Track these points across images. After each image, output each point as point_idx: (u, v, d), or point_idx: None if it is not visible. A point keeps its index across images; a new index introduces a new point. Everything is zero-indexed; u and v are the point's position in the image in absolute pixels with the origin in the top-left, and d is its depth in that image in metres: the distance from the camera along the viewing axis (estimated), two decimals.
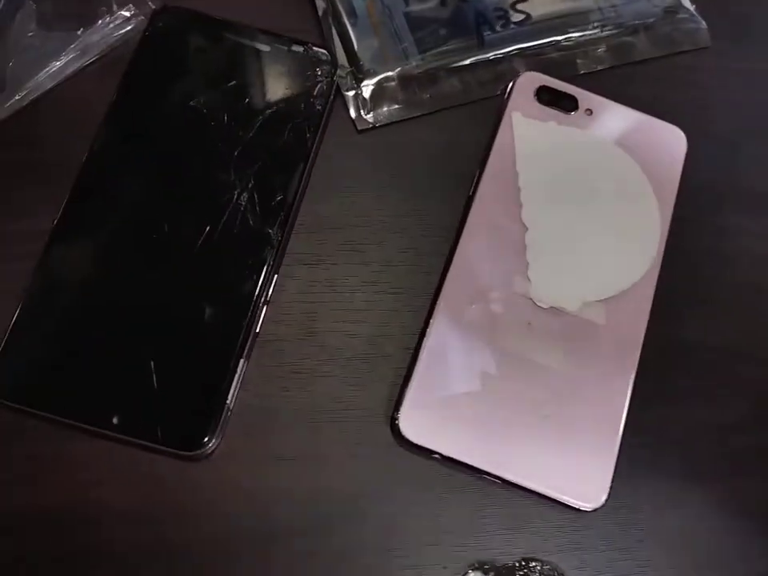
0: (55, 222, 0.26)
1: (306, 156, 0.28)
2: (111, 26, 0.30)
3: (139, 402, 0.24)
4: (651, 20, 0.32)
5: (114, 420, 0.24)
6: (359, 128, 0.30)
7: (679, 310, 0.28)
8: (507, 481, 0.25)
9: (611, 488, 0.25)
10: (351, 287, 0.28)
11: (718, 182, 0.31)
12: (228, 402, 0.25)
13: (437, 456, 0.25)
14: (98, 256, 0.26)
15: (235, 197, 0.27)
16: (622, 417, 0.26)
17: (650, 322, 0.27)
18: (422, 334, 0.26)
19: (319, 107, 0.29)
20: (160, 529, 0.24)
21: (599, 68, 0.32)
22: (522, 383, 0.26)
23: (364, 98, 0.30)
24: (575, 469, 0.25)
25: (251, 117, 0.28)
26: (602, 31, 0.32)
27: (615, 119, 0.30)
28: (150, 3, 0.30)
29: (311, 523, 0.25)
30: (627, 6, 0.32)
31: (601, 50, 0.32)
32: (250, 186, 0.27)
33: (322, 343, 0.27)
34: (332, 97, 0.29)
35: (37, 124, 0.29)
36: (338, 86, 0.30)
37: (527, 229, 0.28)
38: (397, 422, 0.25)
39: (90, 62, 0.30)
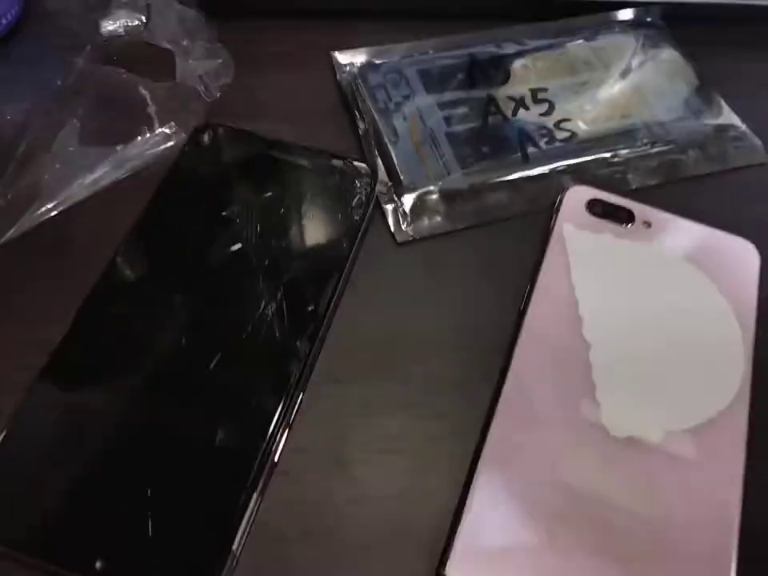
0: (65, 334, 0.24)
1: (341, 267, 0.26)
2: (151, 142, 0.30)
3: (128, 546, 0.20)
4: (701, 137, 0.31)
5: (98, 566, 0.20)
6: (399, 240, 0.28)
7: None
8: None
9: None
10: (387, 412, 0.24)
11: None
12: (234, 548, 0.20)
13: None
14: (105, 374, 0.23)
15: (262, 307, 0.24)
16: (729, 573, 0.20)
17: (746, 458, 0.22)
18: (471, 470, 0.22)
19: (357, 218, 0.27)
20: None
21: (652, 183, 0.30)
22: (598, 535, 0.21)
23: (404, 211, 0.28)
24: None
25: (285, 227, 0.27)
26: (651, 148, 0.31)
27: (677, 232, 0.27)
28: (191, 121, 0.30)
29: None
30: (675, 124, 0.31)
31: (652, 165, 0.30)
32: (278, 296, 0.25)
33: (352, 476, 0.23)
34: (371, 209, 0.28)
35: (66, 233, 0.28)
36: (378, 201, 0.29)
37: (590, 346, 0.24)
38: None
39: (126, 177, 0.29)
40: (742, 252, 0.27)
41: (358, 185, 0.28)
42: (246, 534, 0.21)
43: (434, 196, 0.29)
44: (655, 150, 0.31)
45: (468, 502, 0.21)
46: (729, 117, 0.32)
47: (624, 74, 0.33)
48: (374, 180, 0.28)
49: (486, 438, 0.22)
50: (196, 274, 0.25)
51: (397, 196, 0.29)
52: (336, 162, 0.28)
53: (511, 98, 0.32)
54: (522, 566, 0.20)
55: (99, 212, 0.28)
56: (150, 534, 0.20)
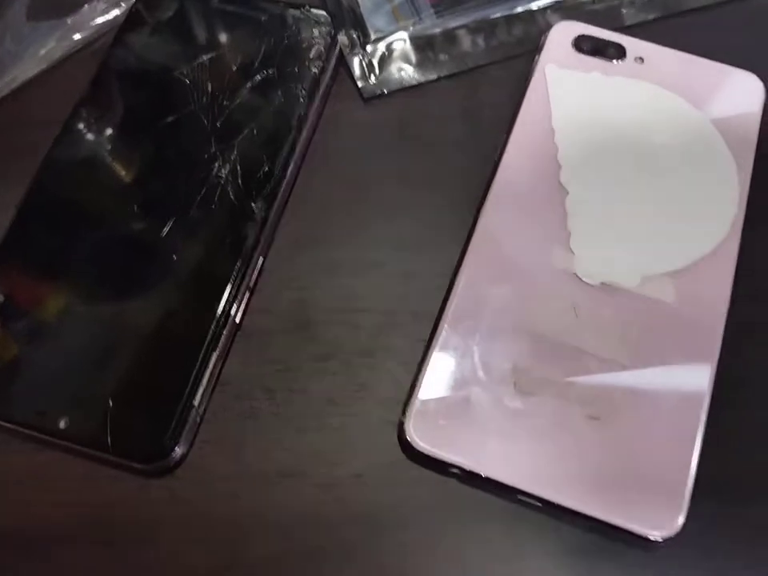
0: (18, 206, 0.23)
1: (299, 125, 0.24)
2: (99, 9, 0.29)
3: (90, 404, 0.20)
4: None
5: (61, 424, 0.20)
6: (365, 95, 0.26)
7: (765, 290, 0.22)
8: (550, 503, 0.19)
9: (688, 511, 0.18)
10: (353, 270, 0.23)
11: None
12: (196, 403, 0.20)
13: (456, 471, 0.19)
14: (63, 238, 0.23)
15: (215, 170, 0.23)
16: (699, 420, 0.19)
17: (730, 304, 0.21)
18: (437, 322, 0.21)
19: (315, 71, 0.25)
20: (114, 552, 0.20)
21: (650, 17, 0.27)
22: (565, 380, 0.20)
23: (371, 63, 0.26)
24: (639, 487, 0.19)
25: (237, 85, 0.25)
26: None
27: (673, 66, 0.25)
28: None
29: (295, 558, 0.19)
30: None
31: None
32: (232, 157, 0.23)
33: (314, 336, 0.22)
34: (333, 61, 0.26)
35: (22, 108, 0.27)
36: (342, 55, 0.26)
37: (567, 192, 0.22)
38: (405, 427, 0.20)
39: (79, 48, 0.28)
40: (745, 85, 0.24)
41: (317, 34, 0.26)
42: (209, 392, 0.21)
43: (405, 44, 0.26)
44: None
45: (429, 354, 0.20)
46: None
47: None
48: (335, 29, 0.26)
49: (452, 292, 0.21)
50: (147, 140, 0.24)
51: (362, 46, 0.26)
52: (291, 12, 0.26)
53: None
54: (489, 417, 0.19)
55: (52, 86, 0.27)
56: (113, 394, 0.20)
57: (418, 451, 0.19)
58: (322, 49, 0.25)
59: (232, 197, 0.23)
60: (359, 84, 0.26)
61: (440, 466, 0.19)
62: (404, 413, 0.20)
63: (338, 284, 0.23)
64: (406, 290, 0.23)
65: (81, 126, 0.25)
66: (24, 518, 0.20)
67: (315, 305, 0.23)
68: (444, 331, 0.21)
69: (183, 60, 0.25)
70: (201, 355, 0.21)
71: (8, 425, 0.20)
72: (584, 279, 0.21)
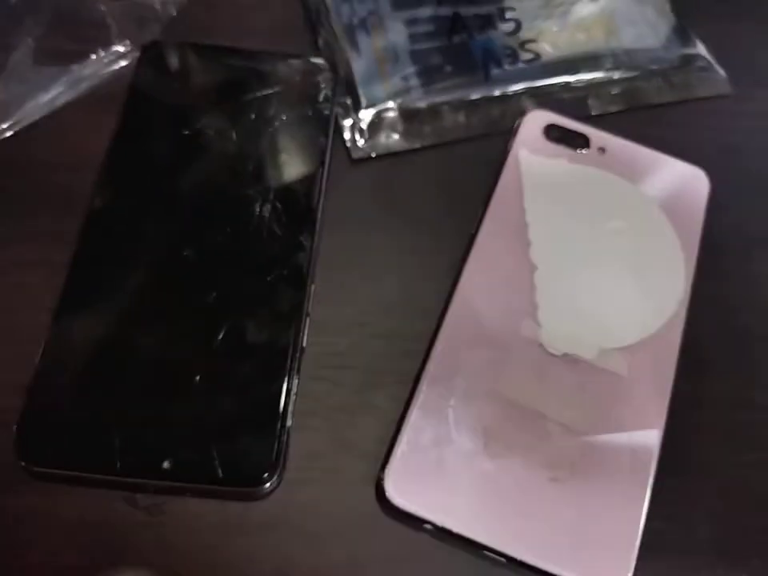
0: (71, 260, 0.24)
1: (320, 159, 0.26)
2: (105, 60, 0.30)
3: (188, 442, 0.21)
4: (666, 66, 0.31)
5: (166, 465, 0.20)
6: (354, 157, 0.28)
7: (708, 364, 0.25)
8: (515, 560, 0.20)
9: (635, 569, 0.20)
10: (337, 330, 0.25)
11: (745, 227, 0.28)
12: (288, 424, 0.22)
13: (429, 526, 0.21)
14: (123, 291, 0.23)
15: (258, 210, 0.25)
16: (647, 482, 0.22)
17: (676, 377, 0.23)
18: (416, 384, 0.23)
19: (326, 112, 0.27)
20: None
21: (612, 110, 0.30)
22: (530, 442, 0.22)
23: (361, 128, 0.28)
24: (594, 545, 0.21)
25: (259, 131, 0.27)
26: (615, 73, 0.30)
27: (630, 158, 0.27)
28: (147, 39, 0.29)
29: None
30: (641, 53, 0.31)
31: (614, 91, 0.30)
32: (270, 197, 0.25)
33: (302, 392, 0.23)
34: (336, 104, 0.28)
35: (22, 154, 0.27)
36: (336, 117, 0.28)
37: (536, 268, 0.25)
38: (382, 483, 0.21)
39: (83, 95, 0.29)
40: (693, 179, 0.27)
41: (321, 79, 0.28)
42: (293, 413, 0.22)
43: (393, 113, 0.28)
44: (618, 76, 0.30)
45: (408, 413, 0.22)
46: (696, 47, 0.32)
47: None
48: (336, 74, 0.28)
49: (430, 355, 0.23)
50: (185, 191, 0.25)
51: (355, 112, 0.28)
52: (295, 61, 0.28)
53: (478, 16, 0.31)
54: (459, 476, 0.21)
55: (54, 132, 0.28)
56: (213, 426, 0.21)
57: (395, 506, 0.21)
58: (329, 93, 0.28)
59: (279, 232, 0.24)
60: (349, 145, 0.28)
61: (414, 521, 0.21)
62: (382, 468, 0.21)
63: (324, 341, 0.24)
64: (389, 350, 0.24)
65: (114, 182, 0.25)
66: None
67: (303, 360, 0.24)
68: (422, 393, 0.22)
69: (202, 109, 0.27)
70: (286, 380, 0.22)
71: (110, 477, 0.20)
72: (549, 350, 0.23)
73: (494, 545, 0.20)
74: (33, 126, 0.28)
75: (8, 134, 0.27)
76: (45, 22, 0.29)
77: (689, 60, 0.31)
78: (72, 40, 0.29)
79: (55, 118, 0.28)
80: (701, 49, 0.32)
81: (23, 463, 0.21)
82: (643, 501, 0.21)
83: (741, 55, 0.32)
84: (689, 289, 0.25)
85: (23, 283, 0.24)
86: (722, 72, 0.31)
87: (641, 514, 0.21)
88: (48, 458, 0.21)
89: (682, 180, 0.27)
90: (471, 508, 0.21)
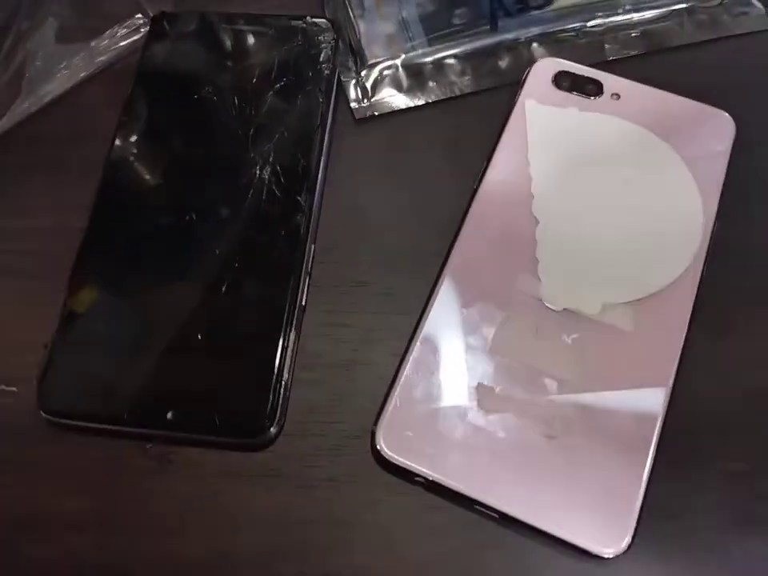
0: (87, 225, 0.25)
1: (322, 122, 0.26)
2: (119, 34, 0.31)
3: (193, 394, 0.22)
4: (693, 1, 0.29)
5: (169, 416, 0.22)
6: (357, 116, 0.28)
7: (725, 317, 0.24)
8: (507, 516, 0.20)
9: (636, 530, 0.20)
10: (338, 289, 0.25)
11: None
12: (284, 378, 0.22)
13: (420, 480, 0.21)
14: (132, 252, 0.25)
15: (258, 172, 0.25)
16: (651, 444, 0.21)
17: (689, 331, 0.22)
18: (411, 339, 0.23)
19: (327, 72, 0.27)
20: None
21: (631, 53, 0.28)
22: (525, 399, 0.21)
23: (364, 86, 0.28)
24: (591, 506, 0.20)
25: (261, 94, 0.27)
26: (634, 16, 0.28)
27: (647, 103, 0.26)
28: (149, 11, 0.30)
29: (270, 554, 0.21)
30: None
31: (634, 34, 0.28)
32: (270, 159, 0.26)
33: (303, 349, 0.24)
34: (338, 63, 0.28)
35: (48, 127, 0.29)
36: (339, 77, 0.28)
37: (538, 222, 0.24)
38: (375, 437, 0.21)
39: (101, 69, 0.30)
40: (716, 122, 0.26)
41: (322, 39, 0.28)
42: (292, 368, 0.23)
43: (397, 70, 0.28)
44: (637, 17, 0.28)
45: (402, 370, 0.22)
46: None
47: None
48: (336, 33, 0.28)
49: (426, 311, 0.23)
50: (191, 155, 0.26)
51: (358, 71, 0.28)
52: (296, 23, 0.28)
53: None
54: (453, 431, 0.21)
55: (75, 107, 0.29)
56: (205, 380, 0.22)
57: (387, 460, 0.21)
58: (330, 52, 0.27)
59: (278, 193, 0.25)
60: (353, 106, 0.28)
61: (407, 475, 0.21)
62: (375, 422, 0.22)
63: (324, 300, 0.25)
64: (386, 308, 0.24)
65: (127, 148, 0.27)
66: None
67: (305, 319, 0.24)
68: (416, 348, 0.22)
69: (206, 76, 0.28)
70: (282, 335, 0.23)
71: (120, 428, 0.22)
72: (548, 305, 0.23)
73: (484, 499, 0.20)
74: (54, 102, 0.29)
75: (33, 109, 0.29)
76: (66, 1, 0.31)
77: None
78: (91, 16, 0.31)
79: (75, 93, 0.29)
80: None
81: (43, 414, 0.22)
82: (645, 462, 0.21)
83: None
84: (707, 239, 0.24)
85: (41, 250, 0.26)
86: (759, 5, 0.29)
87: (642, 475, 0.20)
88: (64, 409, 0.22)
89: (705, 124, 0.26)
90: (463, 462, 0.21)
